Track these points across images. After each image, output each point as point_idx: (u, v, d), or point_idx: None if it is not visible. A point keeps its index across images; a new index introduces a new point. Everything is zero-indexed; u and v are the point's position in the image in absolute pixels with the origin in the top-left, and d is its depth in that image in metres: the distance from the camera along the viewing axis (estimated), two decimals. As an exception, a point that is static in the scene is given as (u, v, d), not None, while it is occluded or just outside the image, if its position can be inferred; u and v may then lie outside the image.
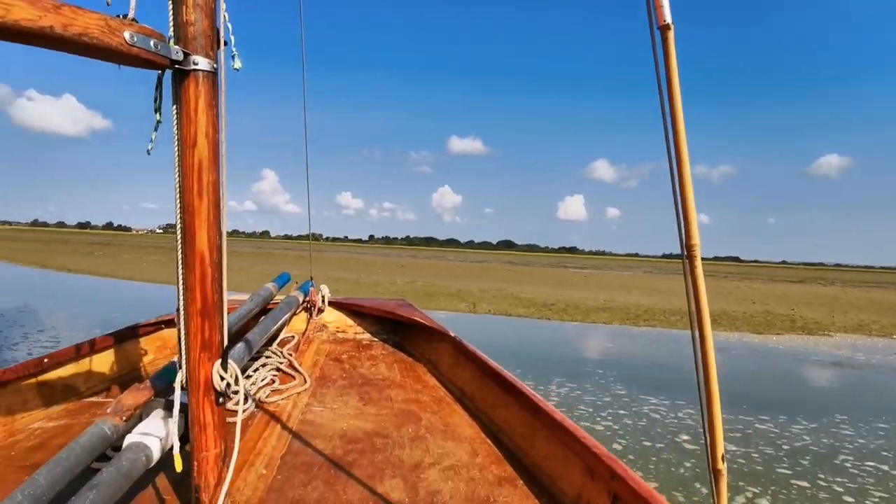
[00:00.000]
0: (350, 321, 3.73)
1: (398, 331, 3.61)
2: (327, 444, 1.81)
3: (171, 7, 1.25)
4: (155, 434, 1.39)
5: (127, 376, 2.49)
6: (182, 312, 1.32)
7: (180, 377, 1.34)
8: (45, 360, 2.10)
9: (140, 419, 1.51)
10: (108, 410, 1.46)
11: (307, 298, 3.58)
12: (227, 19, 1.33)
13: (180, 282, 1.32)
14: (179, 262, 1.31)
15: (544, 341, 9.99)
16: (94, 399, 2.24)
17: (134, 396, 1.54)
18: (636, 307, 15.86)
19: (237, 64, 1.37)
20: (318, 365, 2.89)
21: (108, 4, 1.16)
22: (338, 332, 3.69)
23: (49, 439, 1.79)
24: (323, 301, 3.65)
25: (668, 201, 0.85)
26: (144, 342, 2.73)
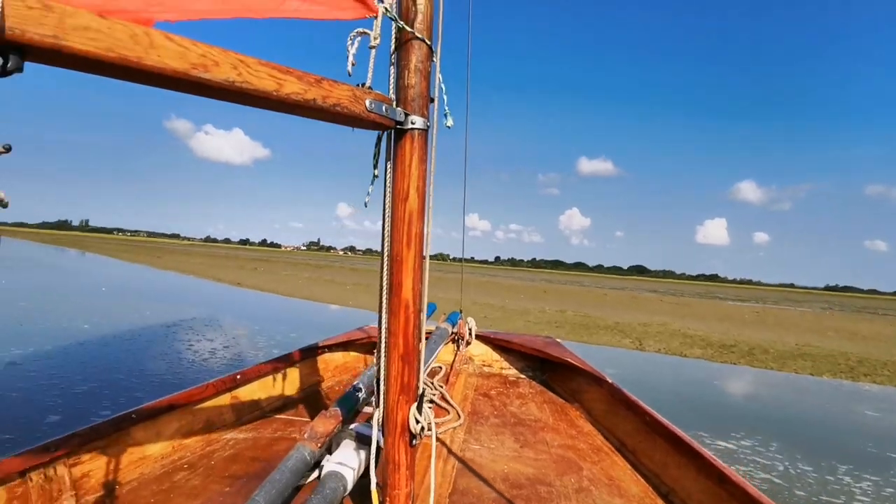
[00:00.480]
0: (496, 356, 3.74)
1: (545, 369, 3.57)
2: (491, 486, 1.79)
3: (392, 72, 1.32)
4: (349, 465, 1.54)
5: (301, 394, 2.75)
6: (383, 355, 1.34)
7: (377, 416, 1.37)
8: (238, 377, 2.30)
9: (330, 446, 1.68)
10: (305, 436, 1.61)
11: (455, 330, 3.57)
12: (440, 80, 1.37)
13: (383, 326, 1.33)
14: (384, 307, 1.34)
15: (760, 399, 8.07)
16: (275, 416, 2.44)
17: (324, 424, 1.68)
18: (843, 356, 13.09)
19: (449, 122, 1.39)
20: (468, 399, 2.92)
21: (349, 74, 1.20)
22: (483, 365, 3.71)
23: (241, 451, 1.96)
24: (470, 334, 3.65)
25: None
26: (318, 362, 3.03)
